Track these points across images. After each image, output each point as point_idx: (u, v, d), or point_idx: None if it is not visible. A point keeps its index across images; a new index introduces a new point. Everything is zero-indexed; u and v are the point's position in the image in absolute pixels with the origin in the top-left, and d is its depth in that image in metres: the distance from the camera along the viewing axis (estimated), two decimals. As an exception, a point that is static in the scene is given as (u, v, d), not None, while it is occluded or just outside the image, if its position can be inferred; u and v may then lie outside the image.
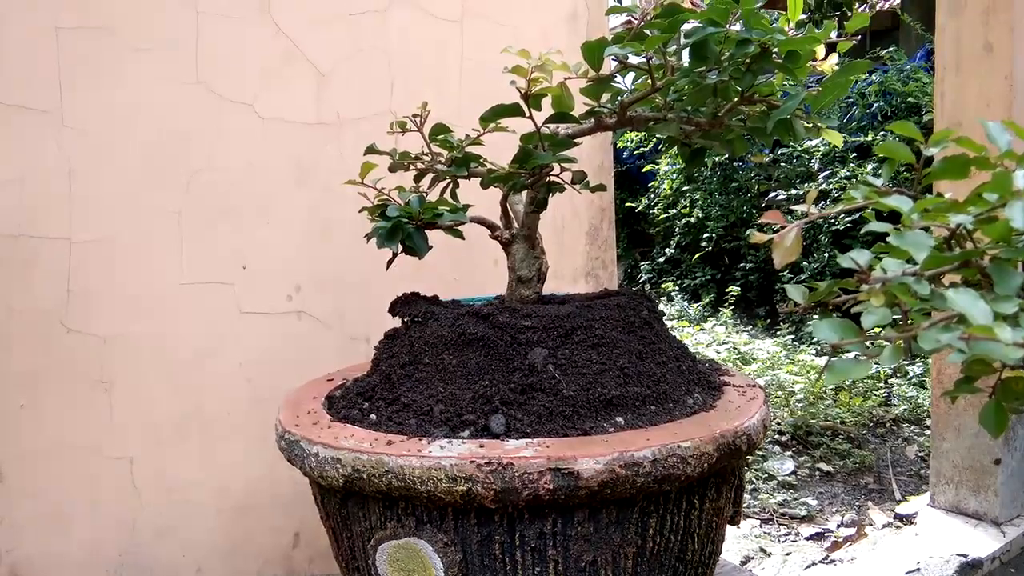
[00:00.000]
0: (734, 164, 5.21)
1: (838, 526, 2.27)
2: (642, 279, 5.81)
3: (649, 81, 1.09)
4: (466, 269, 1.86)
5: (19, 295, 1.43)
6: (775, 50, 1.01)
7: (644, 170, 5.98)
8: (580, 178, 1.17)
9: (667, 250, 5.64)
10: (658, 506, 0.99)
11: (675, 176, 5.60)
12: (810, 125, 1.12)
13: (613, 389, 1.05)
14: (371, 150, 1.34)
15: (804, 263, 4.50)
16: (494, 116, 1.10)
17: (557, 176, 1.17)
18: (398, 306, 1.24)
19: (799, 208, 0.76)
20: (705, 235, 5.26)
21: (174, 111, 1.54)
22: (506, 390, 1.05)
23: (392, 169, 1.33)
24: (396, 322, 1.25)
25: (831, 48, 1.16)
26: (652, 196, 5.87)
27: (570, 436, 0.99)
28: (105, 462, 1.52)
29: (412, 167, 1.36)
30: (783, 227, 0.71)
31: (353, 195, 1.70)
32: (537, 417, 1.02)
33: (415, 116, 1.32)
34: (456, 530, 0.97)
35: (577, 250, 1.99)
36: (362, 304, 1.73)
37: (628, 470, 0.93)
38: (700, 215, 5.33)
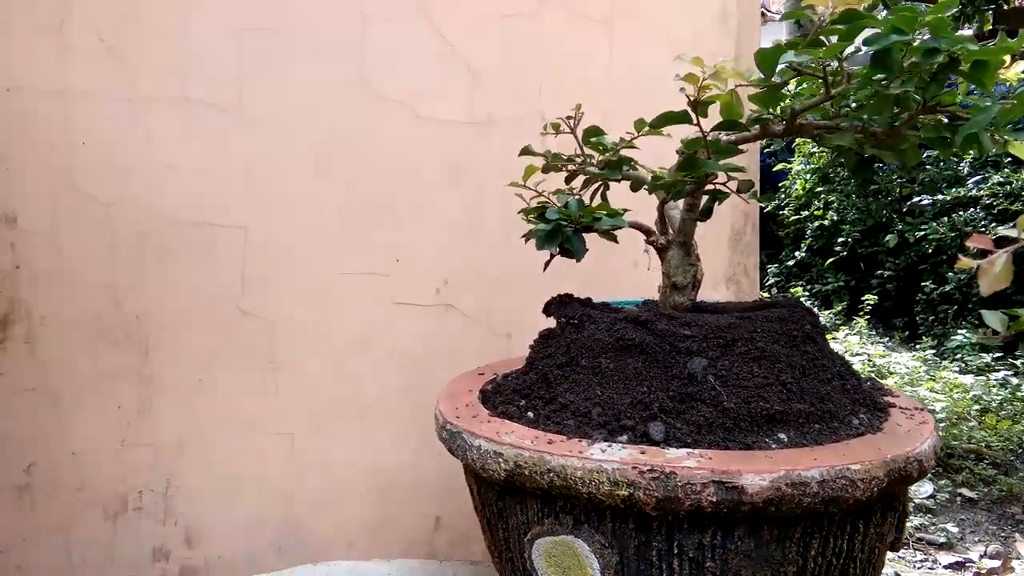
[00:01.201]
0: (874, 165, 4.95)
1: (981, 557, 2.14)
2: (768, 282, 5.63)
3: (822, 88, 1.06)
4: (605, 269, 1.86)
5: (201, 279, 1.56)
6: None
7: (775, 169, 5.78)
8: (747, 187, 1.15)
9: (797, 253, 5.44)
10: (821, 527, 0.97)
11: (809, 176, 5.38)
12: (997, 138, 1.07)
13: (776, 404, 1.03)
14: (527, 151, 1.37)
15: (950, 273, 4.24)
16: (662, 123, 1.11)
17: (723, 185, 1.16)
18: (553, 307, 1.27)
19: (1005, 231, 0.73)
20: (840, 239, 5.04)
21: (340, 110, 1.63)
22: (664, 398, 1.06)
23: (545, 170, 1.36)
24: (540, 318, 1.28)
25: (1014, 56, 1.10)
26: (783, 196, 5.67)
27: (731, 449, 0.99)
28: (270, 437, 1.63)
29: (564, 169, 1.38)
30: (991, 252, 0.68)
31: (501, 193, 1.75)
32: (696, 427, 1.03)
33: (568, 118, 1.34)
34: (614, 533, 0.99)
35: (718, 255, 1.96)
36: (506, 300, 1.78)
37: (794, 489, 0.91)
38: (835, 218, 5.11)
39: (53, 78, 1.41)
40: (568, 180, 1.39)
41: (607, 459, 0.96)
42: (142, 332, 1.52)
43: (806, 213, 5.38)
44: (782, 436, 1.02)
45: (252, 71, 1.55)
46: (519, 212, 1.31)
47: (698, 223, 1.25)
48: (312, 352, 1.65)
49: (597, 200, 1.40)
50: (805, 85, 1.24)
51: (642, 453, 0.97)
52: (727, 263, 1.96)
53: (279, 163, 1.59)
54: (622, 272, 1.82)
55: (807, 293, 5.16)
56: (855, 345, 4.01)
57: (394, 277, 1.70)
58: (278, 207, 1.60)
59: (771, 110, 1.15)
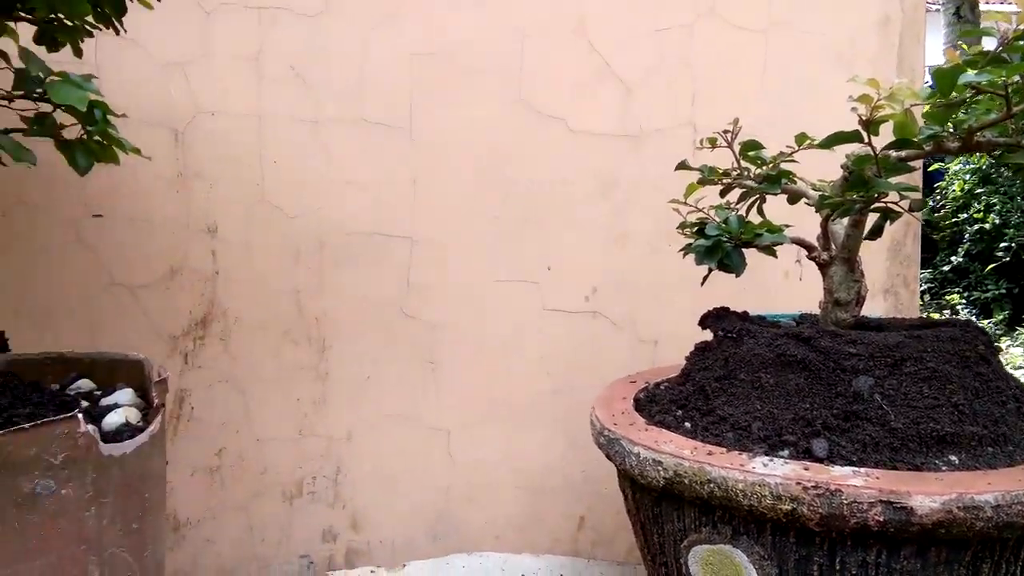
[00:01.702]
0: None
1: None
2: (921, 288, 5.32)
3: (1003, 106, 1.04)
4: (756, 279, 1.85)
5: (371, 284, 1.68)
6: None
7: (930, 169, 5.45)
8: (919, 206, 1.13)
9: (953, 258, 5.11)
10: (993, 552, 0.95)
11: (968, 176, 5.05)
12: None
13: (946, 426, 1.02)
14: (683, 166, 1.40)
15: None
16: (832, 143, 1.11)
17: (894, 204, 1.15)
18: (710, 320, 1.29)
19: None
20: (1002, 244, 4.70)
21: (499, 126, 1.71)
22: (828, 415, 1.06)
23: (702, 183, 1.39)
24: (686, 327, 1.30)
25: None
26: (938, 198, 5.34)
27: (899, 469, 0.98)
28: (428, 432, 1.74)
29: (719, 182, 1.40)
30: None
31: (650, 204, 1.78)
32: (862, 446, 1.03)
33: (725, 131, 1.35)
34: (773, 545, 1.01)
35: (876, 265, 1.90)
36: (652, 308, 1.81)
37: (967, 513, 0.90)
38: (997, 221, 4.77)
39: (250, 103, 1.57)
40: (723, 193, 1.40)
41: (770, 473, 0.98)
42: (320, 332, 1.66)
43: (964, 216, 5.05)
44: (952, 458, 1.01)
45: (421, 92, 1.66)
46: (677, 227, 1.34)
47: (862, 239, 1.24)
48: (468, 354, 1.75)
49: (753, 213, 1.41)
50: (981, 99, 1.20)
51: (806, 469, 0.99)
52: (885, 274, 1.91)
53: (442, 177, 1.69)
54: (773, 283, 1.81)
55: (964, 301, 4.85)
56: (1018, 358, 3.74)
57: (545, 284, 1.77)
58: (440, 218, 1.70)
59: (945, 127, 1.13)
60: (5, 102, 0.95)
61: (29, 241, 1.46)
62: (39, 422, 0.93)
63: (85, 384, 1.24)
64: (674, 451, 1.07)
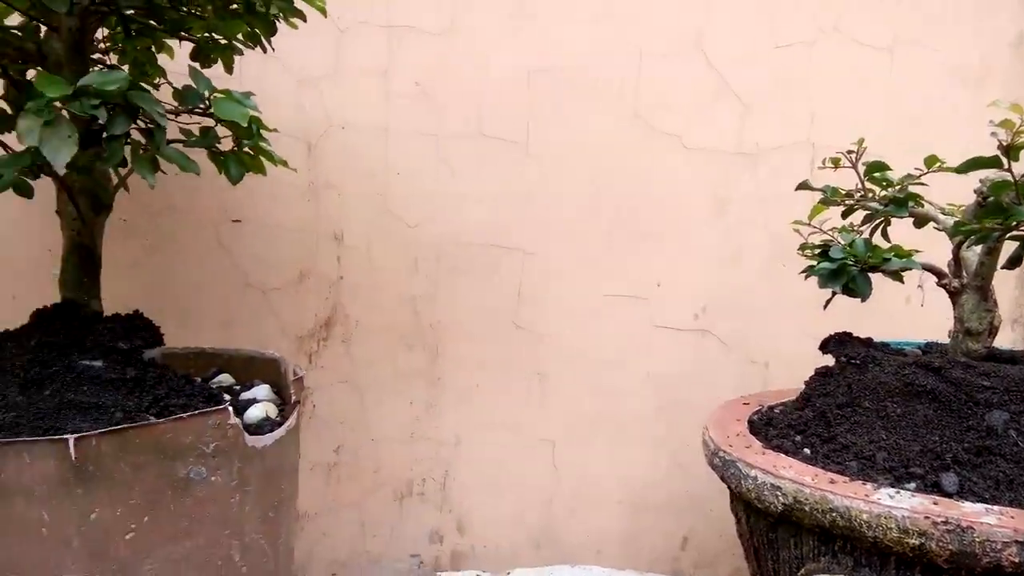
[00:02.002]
0: None
1: None
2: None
3: None
4: (876, 303, 1.80)
5: (484, 295, 1.73)
6: None
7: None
8: (1063, 236, 1.09)
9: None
10: None
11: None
12: None
13: (1091, 468, 0.97)
14: (804, 186, 1.38)
15: None
16: (970, 168, 1.08)
17: (1036, 232, 1.10)
18: (831, 345, 1.27)
19: None
20: None
21: (614, 142, 1.73)
22: (959, 449, 1.03)
23: (825, 204, 1.36)
24: (799, 348, 1.28)
25: None
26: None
27: (1037, 510, 0.95)
28: (533, 442, 1.77)
29: (842, 203, 1.38)
30: None
31: (765, 223, 1.76)
32: (995, 483, 0.99)
33: (849, 152, 1.33)
34: (898, 579, 0.99)
35: (1003, 294, 1.82)
36: (764, 328, 1.78)
37: (1114, 560, 0.86)
38: None
39: (377, 117, 1.64)
40: (845, 215, 1.38)
41: (896, 506, 0.96)
42: (434, 339, 1.72)
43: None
44: (1098, 503, 0.96)
45: (539, 108, 1.70)
46: (799, 248, 1.33)
47: (996, 266, 1.20)
48: (575, 367, 1.77)
49: (877, 236, 1.38)
50: None
51: (935, 504, 0.96)
52: (1014, 303, 1.82)
53: (556, 191, 1.73)
54: (894, 308, 1.76)
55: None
56: None
57: (654, 301, 1.78)
58: (553, 231, 1.73)
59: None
60: (172, 116, 1.04)
61: (174, 243, 1.58)
62: (196, 412, 1.01)
63: (225, 378, 1.33)
64: (794, 477, 1.06)
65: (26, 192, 1.00)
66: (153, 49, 1.28)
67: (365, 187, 1.66)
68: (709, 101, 1.75)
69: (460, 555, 1.78)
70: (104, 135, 0.90)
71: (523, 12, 1.67)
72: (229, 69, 1.27)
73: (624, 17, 1.70)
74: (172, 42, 1.29)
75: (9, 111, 1.10)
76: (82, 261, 1.11)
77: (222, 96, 1.04)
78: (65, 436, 0.91)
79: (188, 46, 1.25)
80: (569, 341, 1.76)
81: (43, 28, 1.09)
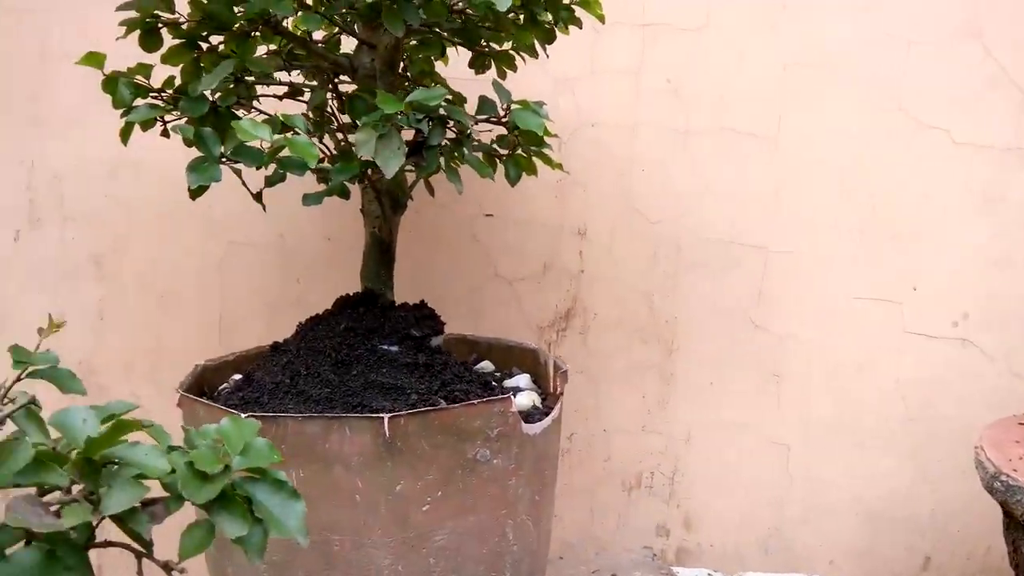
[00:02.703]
0: None
1: None
2: None
3: None
4: None
5: (721, 292, 1.71)
6: None
7: None
8: None
9: None
10: None
11: None
12: None
13: None
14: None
15: None
16: None
17: None
18: None
19: None
20: None
21: (871, 136, 1.64)
22: None
23: None
24: None
25: None
26: None
27: None
28: (766, 445, 1.74)
29: None
30: None
31: (1048, 227, 1.60)
32: None
33: None
34: None
35: None
36: (1035, 342, 1.63)
37: None
38: None
39: (626, 114, 1.67)
40: None
41: None
42: (668, 334, 1.73)
43: None
44: None
45: (792, 102, 1.64)
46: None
47: None
48: (816, 370, 1.71)
49: None
50: None
51: None
52: None
53: (805, 188, 1.67)
54: None
55: None
56: None
57: (908, 305, 1.67)
58: (799, 229, 1.68)
59: None
60: (473, 123, 1.12)
61: (433, 235, 1.69)
62: (485, 399, 1.09)
63: (487, 365, 1.41)
64: (1105, 513, 0.97)
65: (344, 195, 1.12)
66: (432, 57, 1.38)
67: (610, 183, 1.69)
68: (984, 93, 1.61)
69: (685, 551, 1.79)
70: (424, 145, 0.99)
71: (781, 5, 1.62)
72: (503, 75, 1.34)
73: (892, 7, 1.60)
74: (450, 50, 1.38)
75: (339, 120, 1.23)
76: (380, 255, 1.22)
77: (519, 106, 1.10)
78: (381, 415, 1.01)
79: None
80: (811, 343, 1.71)
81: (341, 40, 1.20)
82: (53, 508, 0.45)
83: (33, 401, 0.54)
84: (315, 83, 1.32)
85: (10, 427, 0.56)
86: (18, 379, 0.58)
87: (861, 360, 1.70)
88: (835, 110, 1.65)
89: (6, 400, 0.57)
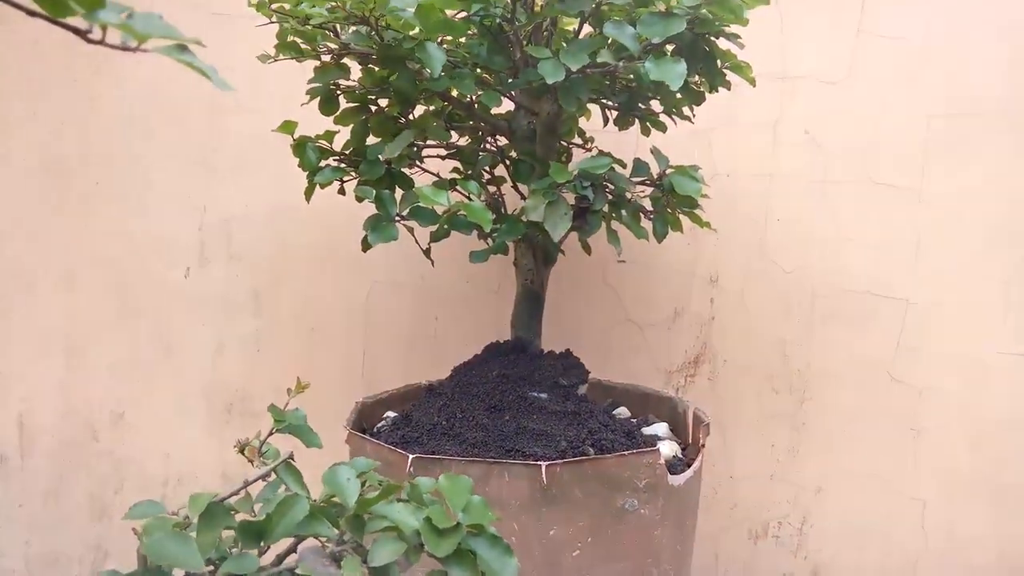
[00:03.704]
0: None
1: None
2: None
3: None
4: None
5: (858, 343, 1.69)
6: None
7: None
8: None
9: None
10: None
11: None
12: None
13: None
14: None
15: None
16: None
17: None
18: None
19: None
20: None
21: (1018, 184, 1.60)
22: None
23: None
24: None
25: None
26: None
27: None
28: (901, 499, 1.70)
29: None
30: None
31: None
32: None
33: None
34: None
35: None
36: None
37: None
38: None
39: (763, 165, 1.69)
40: None
41: None
42: (801, 384, 1.72)
43: None
44: None
45: (936, 152, 1.63)
46: None
47: None
48: (956, 425, 1.66)
49: None
50: None
51: None
52: None
53: (949, 239, 1.64)
54: None
55: None
56: None
57: (1057, 362, 1.61)
58: (942, 281, 1.65)
59: None
60: (632, 187, 1.17)
61: (569, 280, 1.75)
62: (635, 451, 1.13)
63: (623, 411, 1.45)
64: None
65: (503, 251, 1.19)
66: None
67: (744, 232, 1.71)
68: None
69: (814, 604, 1.76)
70: (588, 210, 1.05)
71: (926, 58, 1.61)
72: (646, 132, 1.40)
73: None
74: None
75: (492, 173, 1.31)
76: (531, 305, 1.29)
77: (675, 171, 1.15)
78: (539, 462, 1.07)
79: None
80: (952, 398, 1.66)
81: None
82: (327, 557, 0.52)
83: (291, 457, 0.62)
84: (468, 140, 1.41)
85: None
86: (271, 433, 0.67)
87: (1007, 416, 1.64)
88: (982, 158, 1.62)
89: (264, 448, 0.65)
